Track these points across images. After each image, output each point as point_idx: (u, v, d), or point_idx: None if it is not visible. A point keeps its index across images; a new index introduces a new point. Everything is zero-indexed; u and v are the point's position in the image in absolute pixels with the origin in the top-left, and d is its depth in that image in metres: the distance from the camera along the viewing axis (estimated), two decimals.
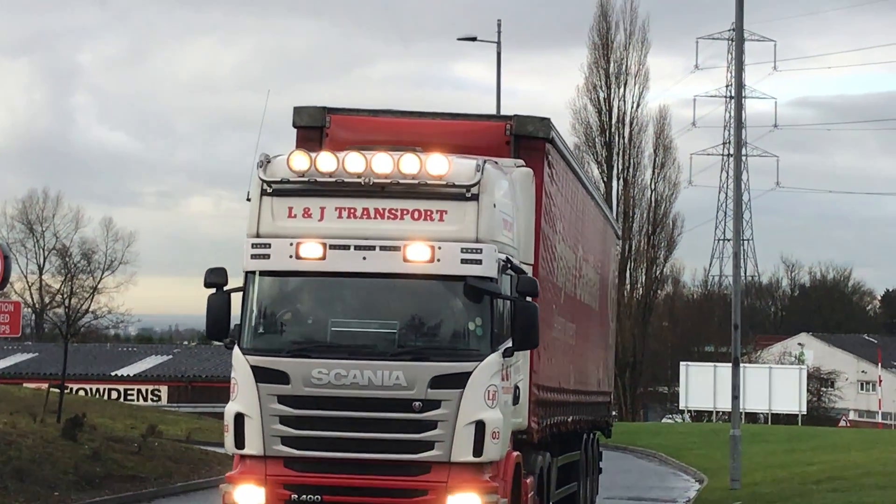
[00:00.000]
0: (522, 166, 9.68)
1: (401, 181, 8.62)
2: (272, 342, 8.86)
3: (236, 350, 8.73)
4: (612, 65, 39.64)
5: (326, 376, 8.43)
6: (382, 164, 8.58)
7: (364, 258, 8.54)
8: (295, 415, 8.48)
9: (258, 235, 8.69)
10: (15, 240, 55.18)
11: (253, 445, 8.50)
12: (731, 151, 40.60)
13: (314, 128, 10.53)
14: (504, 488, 8.76)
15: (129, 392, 45.02)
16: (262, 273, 8.75)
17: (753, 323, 58.23)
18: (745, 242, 30.15)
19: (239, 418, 8.52)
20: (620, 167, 41.32)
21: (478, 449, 8.57)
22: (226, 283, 8.93)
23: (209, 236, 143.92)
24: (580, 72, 42.69)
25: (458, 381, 8.55)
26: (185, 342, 70.23)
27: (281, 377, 8.49)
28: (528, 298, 8.84)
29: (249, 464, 8.65)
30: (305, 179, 8.56)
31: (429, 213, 8.67)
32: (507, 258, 8.87)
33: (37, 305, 55.73)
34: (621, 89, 40.01)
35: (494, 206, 8.78)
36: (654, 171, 42.11)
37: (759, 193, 53.99)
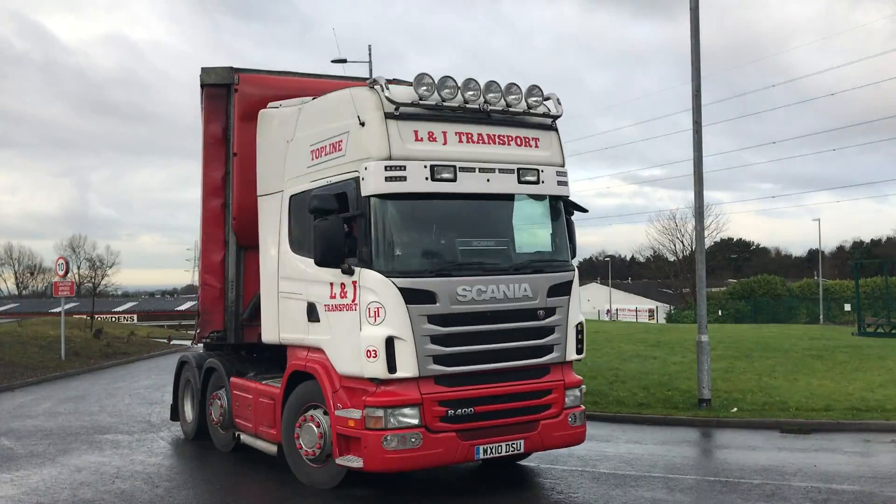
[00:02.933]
0: None
1: (509, 109, 8.91)
2: (412, 264, 8.40)
3: (371, 274, 8.20)
4: None
5: (469, 293, 8.38)
6: (494, 92, 8.79)
7: (488, 180, 8.65)
8: (444, 333, 8.24)
9: (391, 158, 8.24)
10: None
11: (406, 368, 8.10)
12: None
13: (222, 85, 11.14)
14: None
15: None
16: (399, 196, 8.32)
17: None
18: None
19: (390, 342, 8.07)
20: None
21: (580, 348, 9.26)
22: (336, 209, 8.40)
23: None
24: None
25: (566, 288, 9.06)
26: None
27: (429, 297, 8.21)
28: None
29: (398, 386, 8.17)
30: (433, 104, 8.51)
31: (527, 139, 9.03)
32: None
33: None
34: None
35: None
36: None
37: None
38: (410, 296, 8.19)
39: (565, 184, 9.36)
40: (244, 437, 10.90)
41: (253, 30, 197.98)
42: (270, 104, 10.66)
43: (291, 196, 9.63)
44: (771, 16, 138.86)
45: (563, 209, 9.46)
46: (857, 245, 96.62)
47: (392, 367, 8.11)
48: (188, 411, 13.01)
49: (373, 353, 8.13)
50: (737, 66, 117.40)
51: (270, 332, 10.15)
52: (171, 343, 41.30)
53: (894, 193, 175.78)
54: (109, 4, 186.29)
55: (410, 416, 8.18)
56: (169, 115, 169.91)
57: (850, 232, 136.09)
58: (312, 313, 9.04)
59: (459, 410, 8.38)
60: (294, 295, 9.44)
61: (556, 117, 9.31)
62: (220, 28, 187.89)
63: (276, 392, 9.82)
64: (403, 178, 8.27)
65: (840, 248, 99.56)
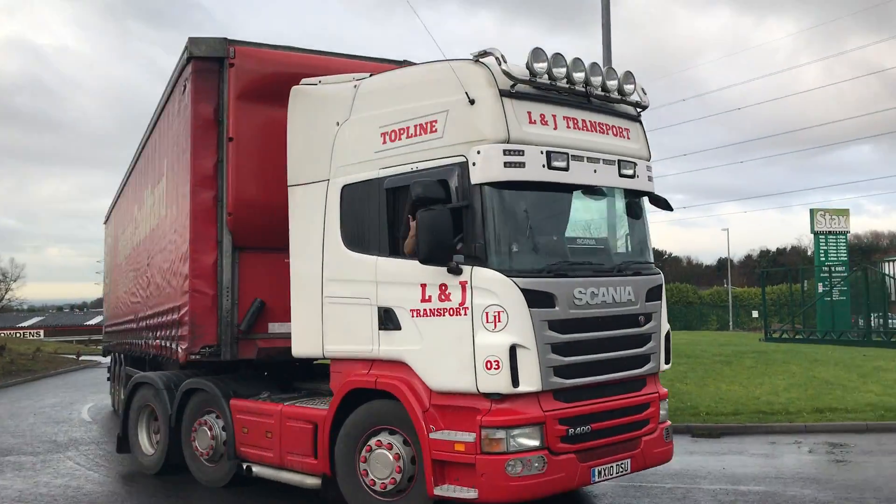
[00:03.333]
0: None
1: (608, 95, 8.25)
2: (530, 262, 7.54)
3: (488, 273, 7.24)
4: None
5: (584, 296, 7.59)
6: (597, 75, 8.13)
7: (595, 171, 7.94)
8: (563, 341, 7.40)
9: (509, 141, 7.37)
10: None
11: (530, 381, 7.17)
12: None
13: (213, 59, 9.90)
14: None
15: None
16: (515, 185, 7.46)
17: None
18: None
19: (513, 351, 7.11)
20: None
21: (668, 358, 8.44)
22: (442, 199, 7.45)
23: None
24: None
25: (659, 292, 8.37)
26: None
27: (548, 300, 7.35)
28: None
29: (515, 403, 7.22)
30: (547, 83, 7.73)
31: (620, 130, 8.37)
32: None
33: None
34: None
35: None
36: None
37: None
38: (532, 298, 7.24)
39: (652, 180, 8.78)
40: (259, 469, 9.38)
41: (166, 37, 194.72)
42: (304, 80, 9.31)
43: (345, 185, 8.46)
44: (679, 33, 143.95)
45: (663, 204, 8.88)
46: (764, 254, 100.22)
47: (515, 380, 7.12)
48: (145, 442, 11.56)
49: (494, 364, 7.11)
50: (648, 80, 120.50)
51: (307, 345, 8.82)
52: (81, 359, 40.05)
53: (798, 204, 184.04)
54: (11, 7, 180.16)
55: (532, 437, 7.23)
56: (77, 123, 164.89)
57: (757, 241, 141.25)
58: (390, 320, 7.85)
59: (579, 429, 7.54)
60: (352, 300, 8.23)
61: (645, 107, 8.79)
62: (130, 35, 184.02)
63: (319, 414, 8.53)
64: (522, 165, 7.38)
65: (748, 257, 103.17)
